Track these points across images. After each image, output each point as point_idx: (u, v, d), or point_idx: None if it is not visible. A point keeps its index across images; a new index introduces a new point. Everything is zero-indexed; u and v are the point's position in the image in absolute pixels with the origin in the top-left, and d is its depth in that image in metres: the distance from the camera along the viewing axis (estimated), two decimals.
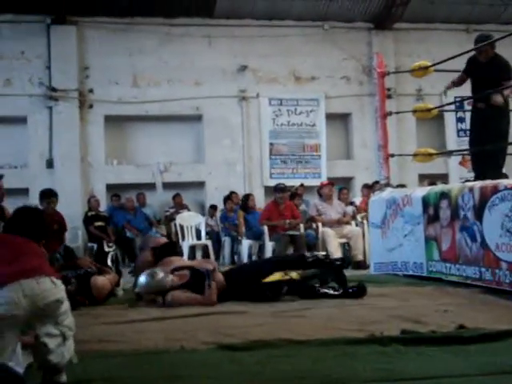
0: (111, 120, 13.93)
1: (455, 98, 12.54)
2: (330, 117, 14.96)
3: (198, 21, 14.39)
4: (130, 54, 14.06)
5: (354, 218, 11.11)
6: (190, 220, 12.05)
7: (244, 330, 4.36)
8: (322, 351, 3.69)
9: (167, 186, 13.87)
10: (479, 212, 5.99)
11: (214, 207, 13.20)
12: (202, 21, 14.40)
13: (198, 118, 14.46)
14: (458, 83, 7.92)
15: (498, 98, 7.18)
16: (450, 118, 15.37)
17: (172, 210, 13.06)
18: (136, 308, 5.78)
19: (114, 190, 13.45)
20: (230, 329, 4.44)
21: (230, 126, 14.37)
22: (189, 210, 13.22)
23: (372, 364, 3.35)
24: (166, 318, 5.04)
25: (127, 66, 14.01)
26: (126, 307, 5.86)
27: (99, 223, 12.06)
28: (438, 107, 9.34)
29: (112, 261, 6.68)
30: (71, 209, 12.13)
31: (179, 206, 13.20)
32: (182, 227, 11.73)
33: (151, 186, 13.81)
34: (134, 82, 14.11)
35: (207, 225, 12.43)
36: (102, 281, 6.17)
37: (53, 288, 3.18)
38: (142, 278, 5.87)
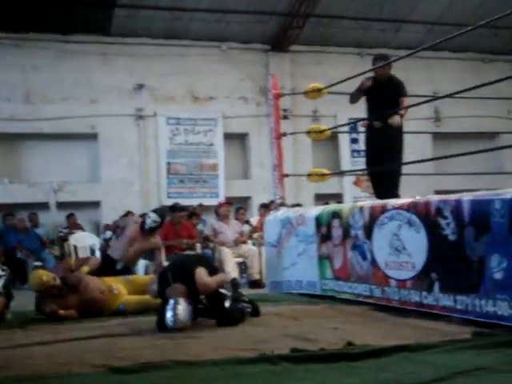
0: (2, 138, 13.54)
1: (349, 119, 12.87)
2: (228, 136, 15.07)
3: (94, 38, 14.25)
4: (23, 70, 13.75)
5: (250, 237, 11.17)
6: (84, 240, 11.78)
7: (135, 353, 4.28)
8: (213, 371, 3.67)
9: (61, 205, 13.57)
10: (369, 231, 6.14)
11: (107, 227, 13.02)
12: (97, 38, 14.28)
13: (93, 137, 14.26)
14: (356, 98, 7.90)
15: (396, 119, 7.30)
16: (343, 139, 15.78)
17: (66, 231, 12.75)
18: (25, 332, 5.59)
19: (5, 209, 13.03)
20: (121, 351, 4.35)
21: (126, 145, 14.24)
22: (83, 230, 12.96)
23: (261, 383, 3.36)
24: (55, 342, 4.89)
25: (20, 82, 13.69)
26: (15, 331, 5.66)
27: None
28: (331, 128, 9.52)
29: (4, 286, 6.43)
30: None
31: (73, 226, 12.93)
32: (75, 248, 11.45)
33: (44, 206, 13.45)
34: (26, 98, 13.79)
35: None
36: None
37: None
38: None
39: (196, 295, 5.22)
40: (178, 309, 5.08)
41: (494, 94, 13.75)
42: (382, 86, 7.56)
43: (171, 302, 5.12)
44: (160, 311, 5.23)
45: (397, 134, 7.58)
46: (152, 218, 7.53)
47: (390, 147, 7.52)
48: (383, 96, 7.42)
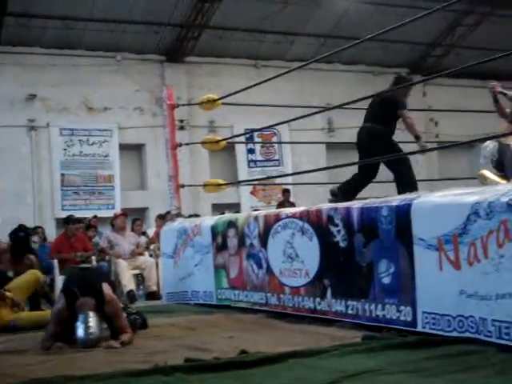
0: None
1: (245, 129, 13.01)
2: (124, 147, 14.92)
3: None
4: None
5: (147, 248, 11.07)
6: None
7: (25, 369, 4.16)
8: None
9: None
10: (264, 239, 6.22)
11: None
12: None
13: None
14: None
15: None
16: (240, 150, 15.91)
17: None
18: None
19: None
20: (10, 368, 4.22)
21: (18, 156, 13.87)
22: None
23: None
24: None
25: None
26: None
27: None
28: (226, 139, 9.57)
29: None
30: None
31: None
32: None
33: None
34: None
35: None
36: None
37: None
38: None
39: (102, 310, 5.10)
40: (90, 322, 4.95)
41: None
42: None
43: (81, 316, 4.96)
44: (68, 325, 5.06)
45: None
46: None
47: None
48: None
